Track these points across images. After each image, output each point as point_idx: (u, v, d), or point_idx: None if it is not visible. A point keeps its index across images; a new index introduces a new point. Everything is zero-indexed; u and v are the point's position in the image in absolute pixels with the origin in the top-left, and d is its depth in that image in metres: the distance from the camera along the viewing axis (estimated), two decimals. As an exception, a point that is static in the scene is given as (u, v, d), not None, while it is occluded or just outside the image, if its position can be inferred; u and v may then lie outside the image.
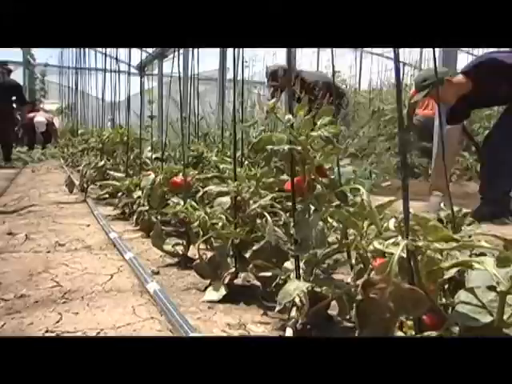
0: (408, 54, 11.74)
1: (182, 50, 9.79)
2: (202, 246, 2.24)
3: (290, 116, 1.21)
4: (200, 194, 1.78)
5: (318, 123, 1.24)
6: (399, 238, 0.91)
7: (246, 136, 4.86)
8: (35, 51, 16.03)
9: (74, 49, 11.07)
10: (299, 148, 1.27)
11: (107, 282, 1.87)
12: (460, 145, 3.76)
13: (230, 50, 8.14)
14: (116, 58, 5.22)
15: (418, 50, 11.23)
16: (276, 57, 9.81)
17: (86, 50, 10.74)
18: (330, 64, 10.30)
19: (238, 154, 2.70)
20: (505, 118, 3.71)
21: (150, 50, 11.18)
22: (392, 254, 0.88)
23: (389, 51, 11.83)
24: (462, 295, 0.81)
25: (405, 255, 0.84)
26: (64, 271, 2.01)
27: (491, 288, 0.80)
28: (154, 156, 3.82)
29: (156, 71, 11.84)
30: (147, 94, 4.27)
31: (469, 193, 5.35)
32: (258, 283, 1.82)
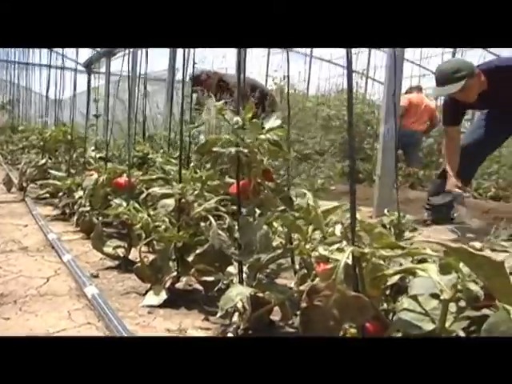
0: (355, 62, 11.98)
1: (131, 49, 9.64)
2: (144, 249, 2.19)
3: (238, 118, 1.19)
4: (144, 195, 1.73)
5: (266, 126, 1.22)
6: (344, 244, 0.90)
7: (193, 138, 4.82)
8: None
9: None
10: (246, 151, 1.25)
11: (43, 286, 1.79)
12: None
13: (180, 51, 8.07)
14: (62, 55, 5.07)
15: (367, 56, 11.47)
16: (226, 59, 9.79)
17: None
18: (279, 68, 10.39)
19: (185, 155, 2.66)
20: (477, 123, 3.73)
21: (98, 48, 10.92)
22: (337, 260, 0.87)
23: (337, 58, 12.06)
24: (405, 302, 0.81)
25: (350, 262, 0.83)
26: (-4, 273, 1.91)
27: (434, 296, 0.80)
28: (97, 155, 3.72)
29: (103, 69, 11.58)
30: (93, 92, 4.15)
31: (410, 199, 5.49)
32: (200, 287, 1.79)
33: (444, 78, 3.28)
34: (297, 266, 1.47)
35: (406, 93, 7.06)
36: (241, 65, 1.37)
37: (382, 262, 0.85)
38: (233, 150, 1.20)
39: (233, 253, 1.29)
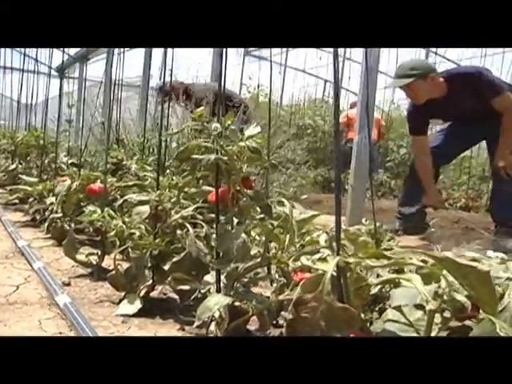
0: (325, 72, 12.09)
1: (104, 54, 9.55)
2: (118, 257, 2.15)
3: (218, 125, 1.17)
4: (119, 202, 1.69)
5: (246, 134, 1.20)
6: (326, 253, 0.88)
7: (169, 144, 4.78)
8: None
9: (-12, 45, 10.51)
10: (225, 158, 1.23)
11: (12, 294, 1.73)
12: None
13: (155, 57, 8.02)
14: (36, 59, 4.97)
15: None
16: (201, 66, 9.77)
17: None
18: (252, 76, 10.42)
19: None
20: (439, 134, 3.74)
21: (72, 52, 10.78)
22: (320, 270, 0.86)
23: (311, 68, 12.14)
24: (390, 313, 0.80)
25: (335, 272, 0.82)
26: (-37, 281, 1.85)
27: (418, 306, 0.80)
28: (69, 161, 3.66)
29: (77, 74, 11.43)
30: (67, 97, 4.08)
31: (383, 209, 5.55)
32: (175, 296, 1.76)
33: (400, 72, 3.42)
34: (275, 276, 1.46)
35: (351, 107, 7.35)
36: (222, 72, 1.36)
37: (363, 272, 0.85)
38: (212, 156, 1.19)
39: (211, 261, 1.27)
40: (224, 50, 1.36)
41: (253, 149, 1.17)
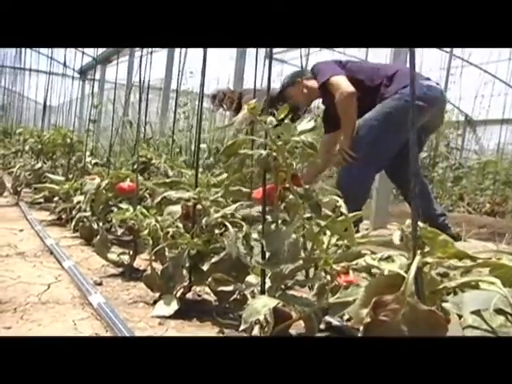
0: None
1: (127, 57, 9.60)
2: (146, 257, 2.11)
3: (272, 118, 1.11)
4: (158, 199, 1.64)
5: (299, 128, 1.14)
6: (394, 253, 0.82)
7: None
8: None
9: (11, 49, 10.70)
10: (275, 154, 1.17)
11: (44, 293, 1.69)
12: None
13: (176, 61, 8.04)
14: (64, 63, 5.00)
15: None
16: (221, 68, 9.75)
17: (25, 50, 10.36)
18: (275, 79, 10.37)
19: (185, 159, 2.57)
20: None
21: (93, 55, 10.86)
22: (389, 270, 0.79)
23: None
24: (470, 319, 0.73)
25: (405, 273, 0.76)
26: (-6, 279, 1.81)
27: (499, 311, 0.73)
28: (93, 161, 3.64)
29: (98, 76, 11.50)
30: (92, 97, 4.07)
31: (406, 212, 5.46)
32: (210, 298, 1.70)
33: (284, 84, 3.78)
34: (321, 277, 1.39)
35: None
36: (270, 74, 1.32)
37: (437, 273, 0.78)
38: (264, 152, 1.13)
39: (257, 262, 1.21)
40: (256, 51, 1.34)
41: (309, 144, 1.11)
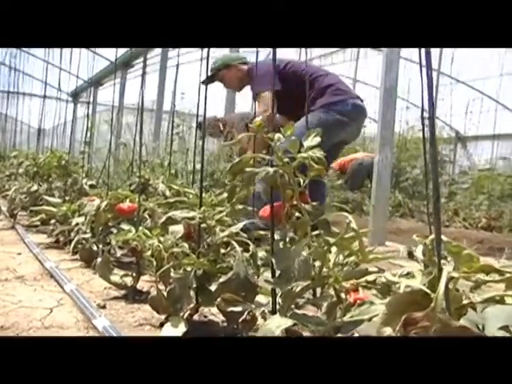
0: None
1: (118, 79, 9.64)
2: (148, 278, 2.08)
3: (280, 135, 1.11)
4: (163, 219, 1.62)
5: (305, 144, 1.14)
6: (415, 268, 0.81)
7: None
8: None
9: (5, 72, 10.75)
10: (281, 171, 1.16)
11: (47, 317, 1.66)
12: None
13: (168, 83, 8.08)
14: (59, 86, 5.00)
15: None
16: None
17: (18, 74, 10.39)
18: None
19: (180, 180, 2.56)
20: None
21: (86, 77, 10.90)
22: (409, 286, 0.78)
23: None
24: (498, 335, 0.72)
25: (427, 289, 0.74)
26: (-6, 304, 1.78)
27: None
28: (88, 183, 3.62)
29: (90, 99, 11.53)
30: (87, 120, 4.07)
31: (401, 229, 5.47)
32: (216, 319, 1.68)
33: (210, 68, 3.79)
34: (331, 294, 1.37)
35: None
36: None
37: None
38: (271, 169, 1.12)
39: (268, 281, 1.19)
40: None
41: (317, 159, 1.10)
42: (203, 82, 3.94)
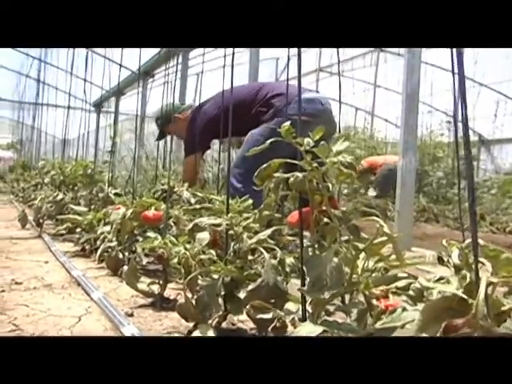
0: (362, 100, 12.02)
1: (140, 89, 9.74)
2: (175, 286, 2.08)
3: (309, 139, 1.10)
4: (190, 226, 1.62)
5: (334, 149, 1.12)
6: (449, 273, 0.79)
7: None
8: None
9: (31, 84, 10.96)
10: (310, 176, 1.15)
11: (75, 325, 1.67)
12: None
13: (190, 92, 8.13)
14: (85, 98, 5.08)
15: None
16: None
17: (45, 86, 10.57)
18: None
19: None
20: None
21: (107, 87, 11.04)
22: (443, 292, 0.76)
23: (344, 94, 12.13)
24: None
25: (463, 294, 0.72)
26: (24, 313, 1.79)
27: None
28: (113, 191, 3.65)
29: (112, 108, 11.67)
30: (112, 129, 4.12)
31: (427, 234, 5.40)
32: (245, 326, 1.67)
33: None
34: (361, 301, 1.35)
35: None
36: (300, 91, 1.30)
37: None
38: (300, 174, 1.11)
39: (300, 289, 1.17)
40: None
41: (348, 164, 1.09)
42: (156, 140, 4.12)
